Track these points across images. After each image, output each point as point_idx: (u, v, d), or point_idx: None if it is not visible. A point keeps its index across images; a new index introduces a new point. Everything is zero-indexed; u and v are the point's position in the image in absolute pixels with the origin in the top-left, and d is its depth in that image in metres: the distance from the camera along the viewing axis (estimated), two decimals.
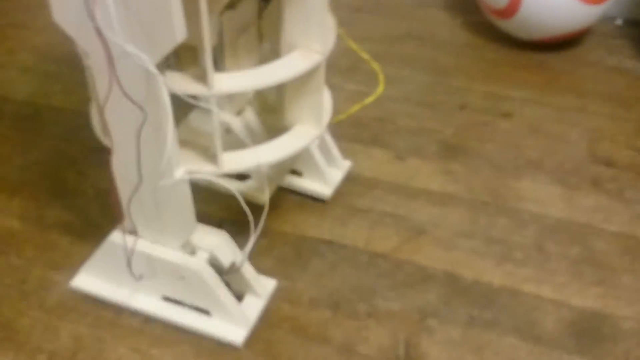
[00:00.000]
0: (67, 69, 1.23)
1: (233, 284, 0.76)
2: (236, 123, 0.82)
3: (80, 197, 0.94)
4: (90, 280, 0.79)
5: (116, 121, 0.62)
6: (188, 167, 0.66)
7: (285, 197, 0.95)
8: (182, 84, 0.63)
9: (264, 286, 0.79)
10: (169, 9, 0.53)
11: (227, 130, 0.81)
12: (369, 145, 1.07)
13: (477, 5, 1.42)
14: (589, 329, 0.80)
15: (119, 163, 0.65)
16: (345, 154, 1.01)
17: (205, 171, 0.68)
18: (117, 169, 0.66)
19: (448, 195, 0.98)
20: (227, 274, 0.74)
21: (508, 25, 1.35)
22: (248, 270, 0.76)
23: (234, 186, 0.80)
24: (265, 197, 0.77)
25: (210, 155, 0.69)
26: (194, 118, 0.79)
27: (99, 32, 0.54)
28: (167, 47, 0.55)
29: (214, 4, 0.65)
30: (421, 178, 1.01)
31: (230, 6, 0.74)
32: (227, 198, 0.89)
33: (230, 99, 0.81)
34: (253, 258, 0.80)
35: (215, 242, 0.73)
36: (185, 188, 0.67)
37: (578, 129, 1.14)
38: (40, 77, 1.21)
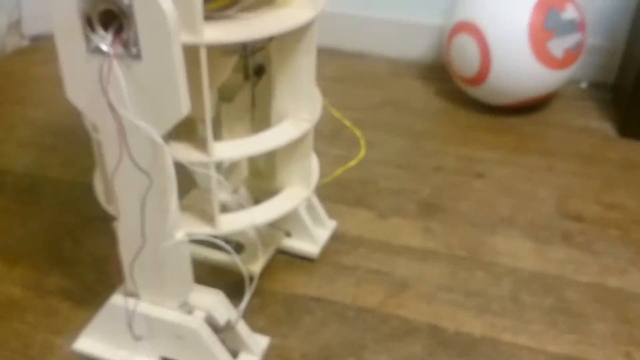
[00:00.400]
0: (63, 142, 1.29)
1: (228, 341, 0.80)
2: (232, 202, 0.88)
3: (78, 265, 0.98)
4: (91, 343, 0.82)
5: (123, 188, 0.68)
6: (187, 229, 0.72)
7: (275, 257, 1.00)
8: (185, 152, 0.69)
9: (258, 343, 0.83)
10: (177, 86, 0.59)
11: (223, 207, 0.87)
12: (352, 206, 1.13)
13: (449, 74, 1.52)
14: None
15: (123, 228, 0.71)
16: (331, 214, 1.07)
17: (203, 232, 0.73)
18: (121, 233, 0.71)
19: (428, 251, 1.04)
20: (222, 332, 0.78)
21: (478, 92, 1.44)
22: (242, 329, 0.81)
23: (227, 257, 0.87)
24: (257, 267, 0.83)
25: (208, 218, 0.74)
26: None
27: (111, 108, 0.61)
28: (173, 121, 0.62)
29: (213, 82, 0.73)
30: (403, 236, 1.07)
31: (228, 99, 0.81)
32: (219, 263, 0.95)
33: (227, 178, 0.86)
34: (246, 317, 0.85)
35: (211, 301, 0.77)
36: (185, 249, 0.72)
37: (547, 187, 1.22)
38: (38, 150, 1.27)
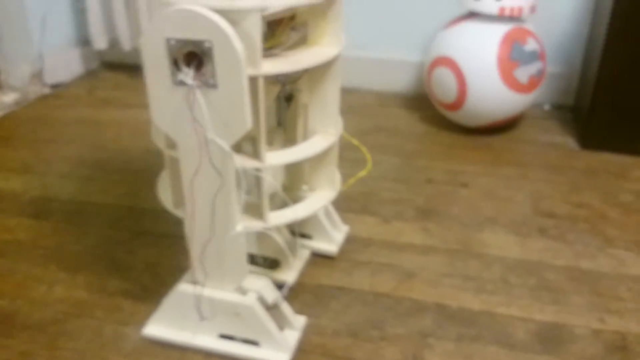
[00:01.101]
0: (99, 173, 1.46)
1: (274, 319, 0.96)
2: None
3: (133, 270, 1.14)
4: (157, 328, 0.98)
5: (199, 189, 0.85)
6: (244, 224, 0.89)
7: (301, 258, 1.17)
8: (243, 162, 0.87)
9: (298, 320, 0.99)
10: (244, 107, 0.77)
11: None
12: (360, 214, 1.31)
13: (430, 102, 1.73)
14: (551, 336, 1.02)
15: (195, 224, 0.88)
16: (343, 220, 1.25)
17: (256, 226, 0.90)
18: (191, 230, 0.88)
19: (428, 246, 1.22)
20: (270, 310, 0.95)
21: (457, 116, 1.65)
22: (286, 309, 0.97)
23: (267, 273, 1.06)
24: (291, 278, 1.04)
25: (258, 215, 0.91)
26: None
27: (195, 127, 0.79)
28: (240, 134, 0.79)
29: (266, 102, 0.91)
30: (405, 236, 1.25)
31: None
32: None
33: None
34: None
35: (261, 284, 0.94)
36: (243, 239, 0.89)
37: (523, 192, 1.42)
38: (78, 181, 1.43)
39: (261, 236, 1.06)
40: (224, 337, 0.96)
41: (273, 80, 0.95)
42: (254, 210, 0.91)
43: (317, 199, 0.99)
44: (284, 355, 0.94)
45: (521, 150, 1.60)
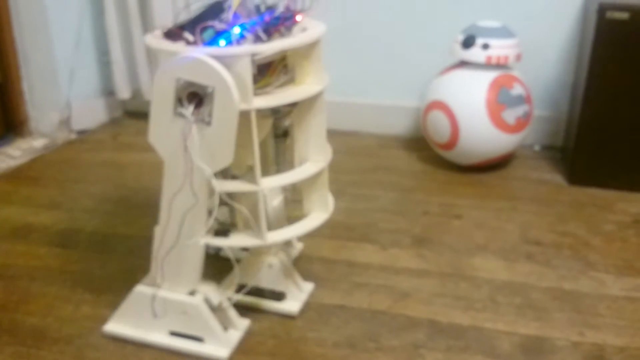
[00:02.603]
0: (122, 208, 1.59)
1: (220, 320, 1.10)
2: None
3: None
4: (117, 325, 1.13)
5: (175, 206, 1.01)
6: (242, 243, 1.04)
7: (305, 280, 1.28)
8: (240, 187, 1.01)
9: (241, 323, 1.14)
10: (230, 145, 0.94)
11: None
12: (360, 242, 1.43)
13: (426, 143, 1.87)
14: (533, 347, 1.11)
15: (164, 233, 1.04)
16: (344, 248, 1.36)
17: (254, 244, 1.05)
18: (159, 238, 1.04)
19: (422, 270, 1.33)
20: (216, 311, 1.09)
21: (451, 155, 1.78)
22: (230, 311, 1.12)
23: (271, 305, 1.19)
24: (295, 309, 1.17)
25: (258, 235, 1.05)
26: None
27: (186, 154, 0.95)
28: (223, 165, 0.96)
29: (260, 136, 1.05)
30: (401, 261, 1.36)
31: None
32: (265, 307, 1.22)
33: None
34: (287, 318, 1.13)
35: (208, 288, 1.09)
36: (202, 251, 1.04)
37: (512, 223, 1.53)
38: (102, 215, 1.56)
39: (268, 269, 1.19)
40: (174, 334, 1.11)
41: (267, 115, 1.09)
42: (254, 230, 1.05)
43: (312, 220, 1.12)
44: (225, 351, 1.08)
45: (512, 186, 1.72)
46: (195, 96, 0.93)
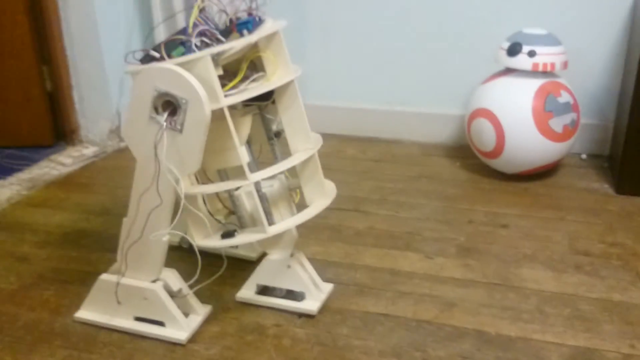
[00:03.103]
0: None
1: (181, 307, 1.17)
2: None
3: (196, 292, 1.27)
4: (87, 312, 1.21)
5: (143, 203, 1.09)
6: (245, 239, 1.11)
7: (349, 288, 1.29)
8: (233, 183, 1.07)
9: (202, 308, 1.21)
10: (199, 152, 1.00)
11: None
12: (404, 250, 1.43)
13: (470, 151, 1.86)
14: (583, 359, 1.10)
15: (130, 226, 1.11)
16: (388, 256, 1.36)
17: (257, 237, 1.10)
18: (126, 231, 1.12)
19: (468, 280, 1.32)
20: (175, 297, 1.16)
21: (496, 163, 1.76)
22: (192, 298, 1.19)
23: (283, 303, 1.23)
24: (315, 308, 1.20)
25: (259, 228, 1.11)
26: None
27: (156, 157, 1.01)
28: (190, 171, 1.03)
29: (241, 138, 1.11)
30: (447, 270, 1.35)
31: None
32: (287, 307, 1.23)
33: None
34: (330, 325, 1.15)
35: (168, 274, 1.15)
36: (164, 245, 1.12)
37: (560, 233, 1.50)
38: None
39: (287, 271, 1.21)
40: (138, 319, 1.18)
41: (247, 112, 1.14)
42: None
43: (313, 208, 1.16)
44: (183, 334, 1.14)
45: (559, 195, 1.69)
46: (169, 105, 1.01)
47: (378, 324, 1.19)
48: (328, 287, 1.27)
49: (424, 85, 2.05)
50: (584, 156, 1.93)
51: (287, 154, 1.18)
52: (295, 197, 1.20)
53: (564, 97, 1.69)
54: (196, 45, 0.99)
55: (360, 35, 2.06)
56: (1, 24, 1.95)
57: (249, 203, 1.15)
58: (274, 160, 1.20)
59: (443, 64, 2.01)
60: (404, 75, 2.06)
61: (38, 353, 1.13)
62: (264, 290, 1.25)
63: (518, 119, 1.67)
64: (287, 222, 1.13)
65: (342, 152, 2.02)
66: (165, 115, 1.00)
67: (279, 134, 1.20)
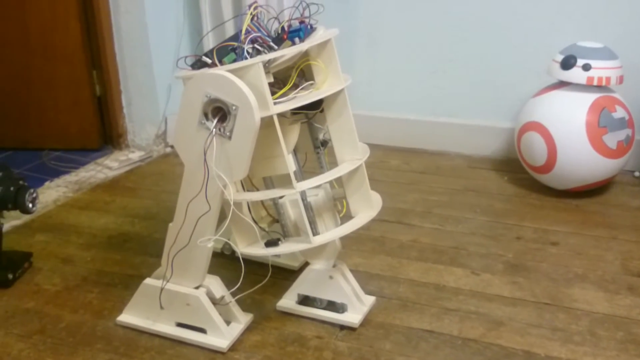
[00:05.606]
0: None
1: (223, 314, 1.16)
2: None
3: (238, 300, 1.26)
4: (129, 317, 1.22)
5: (191, 210, 1.08)
6: (289, 249, 1.10)
7: (392, 302, 1.26)
8: (278, 192, 1.08)
9: (244, 316, 1.20)
10: (247, 160, 1.00)
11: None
12: (449, 265, 1.39)
13: (519, 165, 1.81)
14: None
15: (178, 232, 1.11)
16: (432, 271, 1.33)
17: (301, 247, 1.09)
18: (172, 237, 1.12)
19: (517, 299, 1.28)
20: (217, 305, 1.15)
21: (546, 179, 1.71)
22: (234, 306, 1.18)
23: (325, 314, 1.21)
24: (357, 320, 1.18)
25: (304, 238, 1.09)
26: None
27: (205, 162, 1.01)
28: (238, 177, 1.03)
29: (289, 145, 1.10)
30: (494, 287, 1.31)
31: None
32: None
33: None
34: (373, 340, 1.12)
35: (211, 281, 1.15)
36: (208, 252, 1.11)
37: (612, 252, 1.45)
38: None
39: (329, 282, 1.19)
40: (180, 325, 1.17)
41: (295, 120, 1.13)
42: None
43: (358, 220, 1.14)
44: (225, 342, 1.13)
45: (611, 213, 1.63)
46: (219, 111, 1.01)
47: (422, 340, 1.16)
48: (370, 300, 1.25)
49: (472, 97, 2.01)
50: (637, 174, 1.86)
51: (331, 163, 1.17)
52: (341, 208, 1.18)
53: (619, 113, 1.63)
54: (248, 52, 0.99)
55: (408, 45, 2.03)
56: (54, 29, 1.99)
57: (293, 212, 1.13)
58: (319, 170, 1.19)
59: (492, 76, 1.96)
60: (450, 86, 2.02)
61: (79, 355, 1.13)
62: (304, 300, 1.23)
63: (571, 133, 1.62)
64: (332, 232, 1.11)
65: (386, 163, 1.99)
66: (215, 121, 1.00)
67: (325, 143, 1.19)
